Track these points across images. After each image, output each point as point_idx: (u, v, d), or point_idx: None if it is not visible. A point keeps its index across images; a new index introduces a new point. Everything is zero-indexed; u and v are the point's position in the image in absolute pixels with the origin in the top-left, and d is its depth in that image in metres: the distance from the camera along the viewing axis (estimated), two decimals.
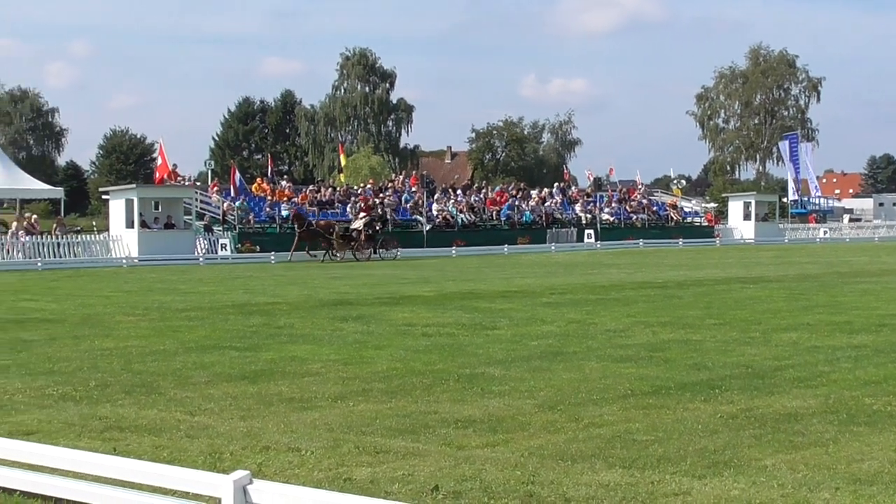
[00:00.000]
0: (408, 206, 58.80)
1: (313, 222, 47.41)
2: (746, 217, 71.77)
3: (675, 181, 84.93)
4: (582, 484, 8.39)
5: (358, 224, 47.48)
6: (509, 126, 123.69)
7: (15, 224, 47.27)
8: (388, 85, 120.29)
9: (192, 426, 10.64)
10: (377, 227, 48.09)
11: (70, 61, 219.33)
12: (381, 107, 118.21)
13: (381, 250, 47.31)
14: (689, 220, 71.50)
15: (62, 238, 45.64)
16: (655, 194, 77.00)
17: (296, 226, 46.40)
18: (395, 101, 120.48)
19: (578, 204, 67.07)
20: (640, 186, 75.97)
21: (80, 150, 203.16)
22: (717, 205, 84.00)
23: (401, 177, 67.53)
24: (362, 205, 50.96)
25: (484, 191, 66.07)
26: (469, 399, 12.01)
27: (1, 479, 8.31)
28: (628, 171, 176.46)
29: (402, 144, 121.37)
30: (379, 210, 52.35)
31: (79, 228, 55.85)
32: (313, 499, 6.81)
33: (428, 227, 56.55)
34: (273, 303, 24.52)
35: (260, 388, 12.73)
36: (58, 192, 57.57)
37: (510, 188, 68.38)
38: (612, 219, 66.66)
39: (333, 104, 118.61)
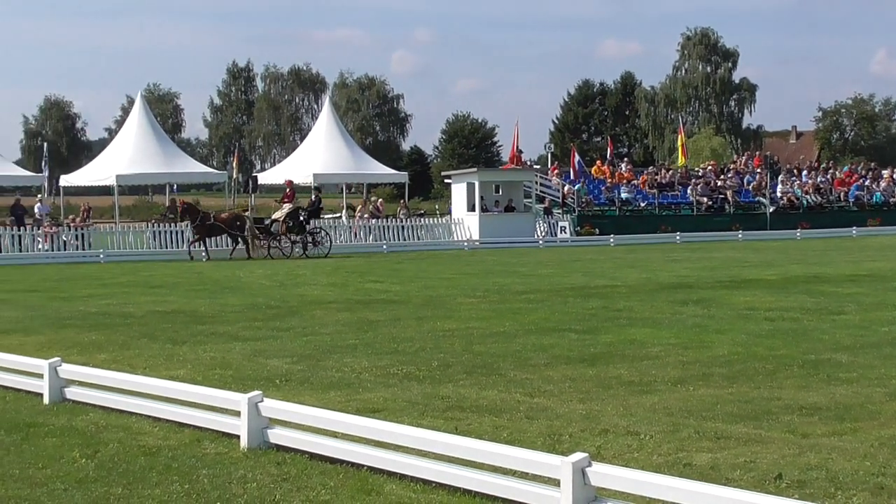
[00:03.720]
0: (750, 187, 57.66)
1: (210, 215, 39.68)
2: None
3: None
4: None
5: (279, 215, 39.91)
6: (859, 104, 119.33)
7: (361, 208, 49.06)
8: (730, 64, 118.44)
9: (531, 407, 10.73)
10: (302, 218, 39.91)
11: (413, 48, 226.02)
12: (723, 87, 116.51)
13: (309, 246, 39.59)
14: None
15: (406, 221, 46.96)
16: None
17: (188, 221, 39.74)
18: (737, 81, 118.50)
19: None
20: None
21: (424, 134, 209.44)
22: None
23: (743, 158, 66.27)
24: (287, 190, 42.46)
25: (831, 171, 64.01)
26: (814, 386, 11.66)
27: (351, 454, 8.60)
28: None
29: (744, 125, 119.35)
30: (313, 196, 43.17)
31: (422, 212, 57.34)
32: (653, 483, 6.74)
33: (771, 210, 55.36)
34: (612, 286, 24.51)
35: (598, 371, 12.73)
36: (402, 177, 59.28)
37: (859, 168, 66.02)
38: None
39: (674, 85, 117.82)
